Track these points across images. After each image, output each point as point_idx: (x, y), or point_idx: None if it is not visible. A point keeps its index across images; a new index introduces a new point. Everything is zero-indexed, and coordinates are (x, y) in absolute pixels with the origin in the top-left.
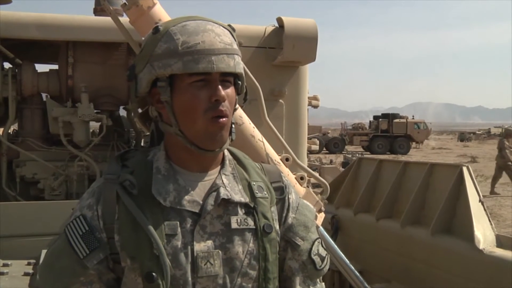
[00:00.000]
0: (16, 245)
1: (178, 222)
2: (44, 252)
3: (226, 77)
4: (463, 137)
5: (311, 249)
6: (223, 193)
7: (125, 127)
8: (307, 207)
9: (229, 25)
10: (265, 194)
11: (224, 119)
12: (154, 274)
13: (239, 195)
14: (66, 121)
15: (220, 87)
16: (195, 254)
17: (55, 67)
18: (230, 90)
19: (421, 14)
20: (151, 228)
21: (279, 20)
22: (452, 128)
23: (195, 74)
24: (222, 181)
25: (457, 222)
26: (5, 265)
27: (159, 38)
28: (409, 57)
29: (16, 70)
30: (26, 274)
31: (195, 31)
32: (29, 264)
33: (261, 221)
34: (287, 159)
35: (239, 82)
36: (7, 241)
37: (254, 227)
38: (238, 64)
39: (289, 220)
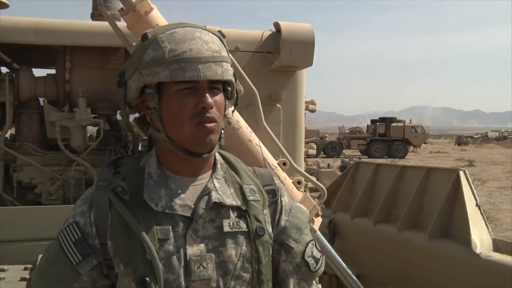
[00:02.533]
0: (12, 250)
1: (170, 227)
2: (40, 257)
3: (214, 84)
4: (461, 141)
5: (304, 251)
6: (214, 196)
7: (122, 131)
8: (300, 209)
9: (219, 31)
10: (257, 197)
11: (211, 124)
12: (147, 279)
13: (230, 199)
14: (64, 125)
15: (207, 94)
16: (188, 258)
17: (53, 71)
18: (219, 97)
19: (420, 17)
20: (143, 233)
21: (276, 25)
22: (450, 132)
23: (182, 82)
24: (214, 184)
25: (454, 226)
26: (1, 270)
27: (147, 46)
28: (407, 61)
29: (14, 75)
30: (22, 279)
31: (182, 39)
32: (25, 269)
33: (253, 224)
34: (284, 164)
35: (229, 88)
36: (3, 245)
37: (246, 230)
38: (226, 71)
39: (282, 223)
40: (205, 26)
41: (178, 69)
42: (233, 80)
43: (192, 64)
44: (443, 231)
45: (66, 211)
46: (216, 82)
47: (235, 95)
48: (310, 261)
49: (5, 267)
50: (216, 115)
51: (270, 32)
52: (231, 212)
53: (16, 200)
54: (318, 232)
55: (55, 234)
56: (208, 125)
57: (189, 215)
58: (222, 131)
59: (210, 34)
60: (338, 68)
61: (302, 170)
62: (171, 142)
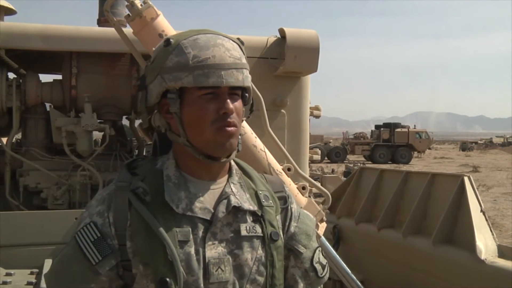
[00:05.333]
0: (19, 254)
1: (190, 229)
2: (47, 261)
3: (235, 90)
4: (465, 146)
5: (313, 257)
6: (233, 201)
7: (127, 136)
8: (308, 216)
9: (238, 39)
10: (271, 203)
11: (231, 128)
12: (168, 279)
13: (247, 203)
14: (69, 131)
15: (228, 100)
16: (206, 261)
17: (59, 77)
18: (238, 103)
19: (422, 22)
20: (165, 234)
21: (281, 31)
22: (454, 137)
23: (204, 87)
24: (231, 189)
25: (458, 232)
26: (8, 274)
27: (170, 51)
28: (410, 65)
29: (20, 80)
30: (29, 283)
31: (205, 46)
32: (32, 273)
33: (268, 229)
34: (289, 169)
35: (247, 94)
36: (10, 250)
37: (261, 234)
38: (246, 78)
39: (292, 229)
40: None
41: (201, 75)
42: (251, 87)
43: (215, 70)
44: (448, 237)
45: (72, 216)
46: (236, 88)
47: (251, 101)
48: (318, 267)
49: (12, 271)
50: (236, 120)
51: (275, 38)
52: (247, 217)
53: (22, 205)
54: (323, 238)
55: (61, 239)
56: (229, 129)
57: (208, 218)
58: (240, 137)
59: (231, 41)
60: (342, 73)
61: (307, 175)
62: (191, 146)
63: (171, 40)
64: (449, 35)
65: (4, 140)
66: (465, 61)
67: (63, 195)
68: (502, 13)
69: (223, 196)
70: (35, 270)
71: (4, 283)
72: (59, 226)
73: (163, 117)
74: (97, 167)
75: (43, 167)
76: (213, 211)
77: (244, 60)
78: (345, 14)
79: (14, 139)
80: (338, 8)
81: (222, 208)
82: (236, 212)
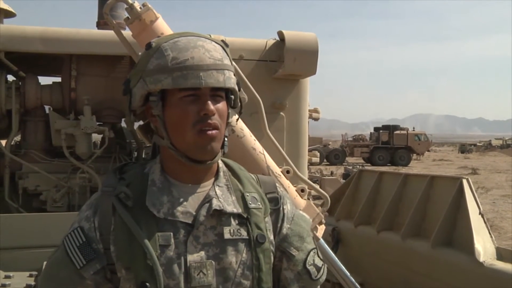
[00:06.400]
0: (18, 257)
1: (171, 233)
2: (46, 261)
3: (217, 92)
4: (464, 149)
5: (306, 259)
6: (215, 204)
7: (127, 139)
8: (303, 218)
9: (223, 41)
10: (259, 204)
11: (213, 131)
12: (147, 284)
13: (231, 206)
14: (69, 133)
15: (209, 101)
16: (188, 265)
17: (58, 79)
18: (221, 105)
19: (422, 25)
20: (145, 239)
21: (280, 34)
22: (453, 139)
23: (185, 89)
24: (216, 192)
25: (457, 234)
26: (7, 277)
27: (151, 54)
28: (410, 68)
29: (20, 83)
30: (28, 286)
31: (185, 47)
32: (31, 276)
33: (254, 232)
34: (288, 172)
35: (232, 96)
36: (9, 253)
37: (247, 237)
38: (228, 79)
39: (284, 231)
40: (210, 35)
41: (180, 76)
42: (236, 89)
43: (194, 71)
44: (447, 240)
45: (71, 218)
46: (218, 89)
47: (239, 104)
48: (312, 269)
49: (11, 274)
50: (218, 122)
51: (274, 41)
52: (232, 220)
53: (21, 207)
54: (322, 240)
55: (60, 241)
56: (210, 132)
57: (190, 222)
58: (226, 139)
59: (213, 43)
60: (341, 75)
61: (306, 178)
62: (174, 149)
63: (152, 43)
64: (449, 37)
65: (4, 142)
66: (465, 64)
67: (62, 197)
68: (502, 16)
69: (206, 199)
70: (34, 273)
71: (3, 285)
72: (58, 229)
73: (150, 121)
74: (97, 170)
75: (42, 170)
76: (195, 214)
77: (226, 62)
78: (345, 16)
79: (13, 142)
80: (338, 10)
81: (203, 211)
82: (220, 215)
